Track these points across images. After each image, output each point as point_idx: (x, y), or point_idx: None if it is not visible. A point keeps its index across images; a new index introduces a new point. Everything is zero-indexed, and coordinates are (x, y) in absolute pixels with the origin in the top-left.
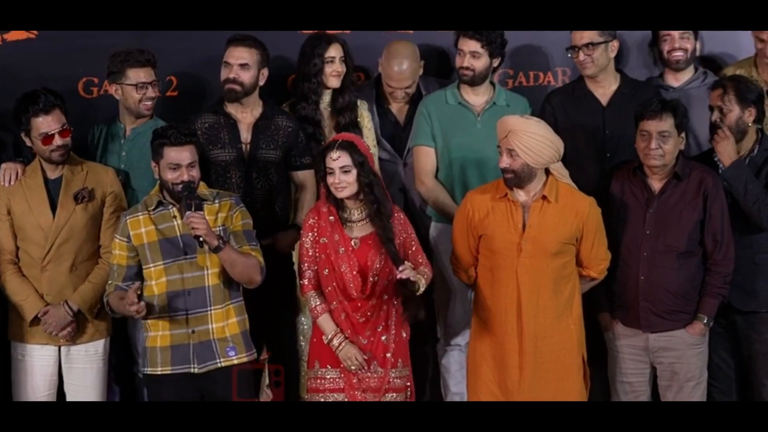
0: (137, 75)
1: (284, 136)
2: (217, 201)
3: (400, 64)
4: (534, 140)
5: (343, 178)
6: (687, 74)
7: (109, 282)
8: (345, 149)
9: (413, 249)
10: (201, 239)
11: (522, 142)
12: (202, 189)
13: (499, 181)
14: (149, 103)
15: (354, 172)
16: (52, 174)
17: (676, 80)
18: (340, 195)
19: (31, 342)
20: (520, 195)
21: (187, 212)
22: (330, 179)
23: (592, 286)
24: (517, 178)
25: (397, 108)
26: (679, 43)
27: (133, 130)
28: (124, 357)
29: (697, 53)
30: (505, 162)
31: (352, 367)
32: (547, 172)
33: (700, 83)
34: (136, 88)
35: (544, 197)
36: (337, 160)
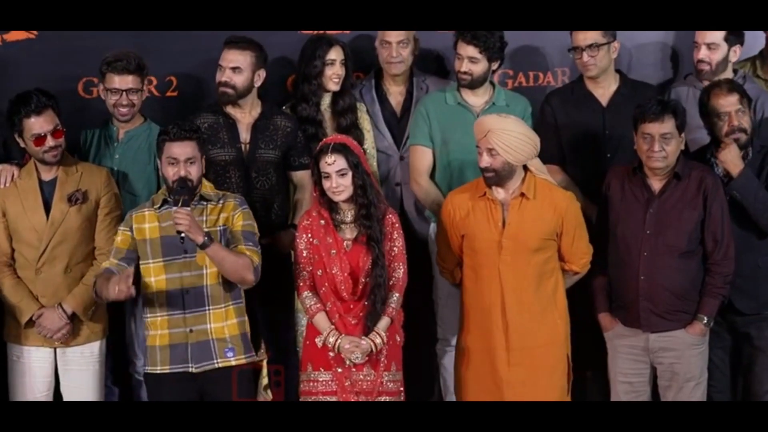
0: (112, 81)
1: (283, 136)
2: (221, 201)
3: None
4: (513, 138)
5: (341, 182)
6: (726, 77)
7: (103, 264)
8: (340, 152)
9: (393, 254)
10: (182, 235)
11: (501, 140)
12: (207, 189)
13: (479, 180)
14: (124, 110)
15: (350, 174)
16: (47, 175)
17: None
18: (338, 198)
19: (26, 344)
20: (499, 193)
21: (173, 208)
22: (326, 183)
23: (576, 280)
24: (498, 177)
25: (396, 101)
26: (704, 54)
27: (126, 133)
28: (121, 358)
29: (735, 57)
30: (485, 161)
31: (358, 359)
32: (525, 169)
33: None
34: (109, 93)
35: (522, 194)
36: (333, 164)
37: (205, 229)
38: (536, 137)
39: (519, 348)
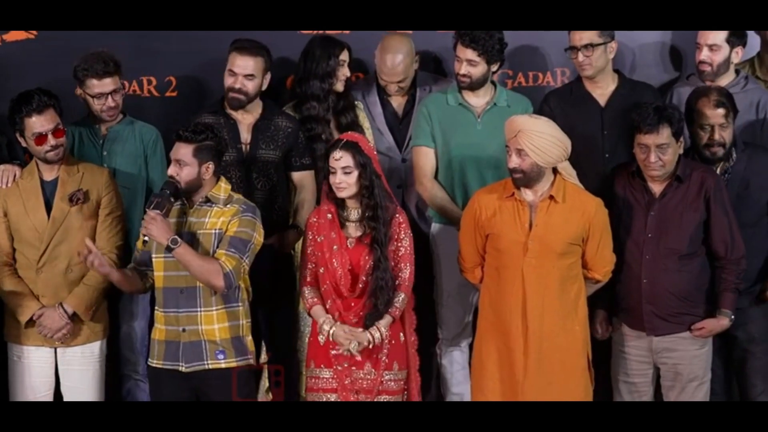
0: (96, 86)
1: (284, 136)
2: (227, 205)
3: (393, 59)
4: (543, 140)
5: (344, 179)
6: (726, 79)
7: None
8: (348, 150)
9: (400, 254)
10: (145, 238)
11: (531, 141)
12: (220, 191)
13: (507, 181)
14: (111, 112)
15: (355, 173)
16: (48, 175)
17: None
18: (340, 195)
19: (27, 343)
20: (528, 194)
21: (147, 209)
22: (332, 179)
23: (596, 289)
24: (526, 178)
25: (397, 103)
26: (705, 55)
27: (110, 130)
28: (112, 359)
29: (738, 58)
30: (514, 162)
31: (351, 347)
32: (555, 171)
33: (739, 89)
34: (95, 99)
35: (551, 197)
36: (340, 160)
37: (201, 231)
38: (567, 140)
39: (536, 352)
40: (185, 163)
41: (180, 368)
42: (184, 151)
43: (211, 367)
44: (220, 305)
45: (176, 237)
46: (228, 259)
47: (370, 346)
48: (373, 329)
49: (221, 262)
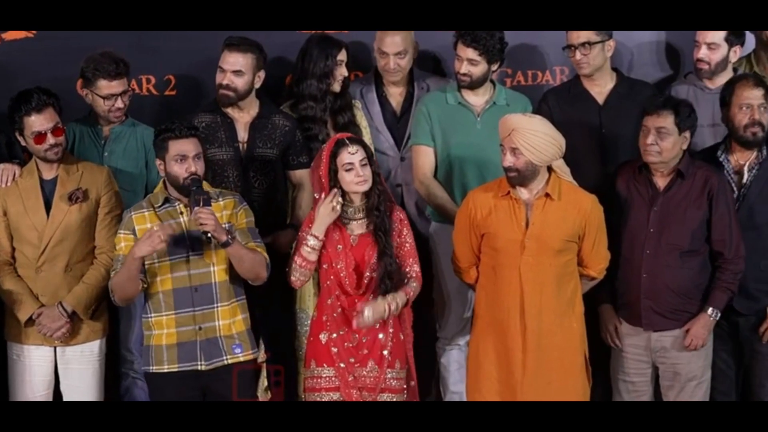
0: (107, 87)
1: (281, 135)
2: (221, 199)
3: (393, 33)
4: (537, 138)
5: (365, 171)
6: (723, 78)
7: (114, 270)
8: (359, 143)
9: (405, 250)
10: (209, 235)
11: (525, 140)
12: (206, 187)
13: (502, 180)
14: (119, 113)
15: (368, 164)
16: (48, 174)
17: (712, 83)
18: (362, 188)
19: (26, 342)
20: (523, 193)
21: (195, 207)
22: (349, 176)
23: (592, 286)
24: (521, 177)
25: (396, 101)
26: (703, 54)
27: (112, 131)
28: (110, 357)
29: (735, 57)
30: (508, 161)
31: (369, 319)
32: (550, 169)
33: None
34: (104, 100)
35: (546, 195)
36: (356, 153)
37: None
38: (561, 138)
39: (535, 350)
40: (201, 156)
41: (199, 367)
42: (195, 145)
43: (230, 361)
44: (233, 298)
45: (231, 232)
46: (262, 250)
47: (386, 315)
48: (390, 298)
49: (262, 253)
